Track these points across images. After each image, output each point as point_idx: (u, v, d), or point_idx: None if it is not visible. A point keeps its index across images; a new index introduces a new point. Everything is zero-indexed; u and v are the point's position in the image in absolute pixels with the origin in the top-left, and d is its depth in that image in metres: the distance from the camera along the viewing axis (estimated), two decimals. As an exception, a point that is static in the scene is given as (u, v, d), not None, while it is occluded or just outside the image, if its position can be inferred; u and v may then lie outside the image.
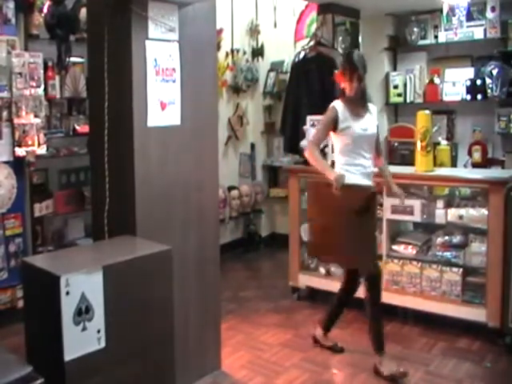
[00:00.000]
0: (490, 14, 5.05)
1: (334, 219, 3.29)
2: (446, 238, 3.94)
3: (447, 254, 3.89)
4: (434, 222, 3.97)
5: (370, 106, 3.48)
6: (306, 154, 3.41)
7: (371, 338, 3.35)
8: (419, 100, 5.46)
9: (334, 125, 3.30)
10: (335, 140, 3.38)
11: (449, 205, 3.94)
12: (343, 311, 3.65)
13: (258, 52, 5.99)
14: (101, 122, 2.86)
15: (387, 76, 5.71)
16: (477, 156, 5.08)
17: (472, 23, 5.19)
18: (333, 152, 3.63)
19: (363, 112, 3.37)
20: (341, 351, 3.61)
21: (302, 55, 5.32)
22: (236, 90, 5.84)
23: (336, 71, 3.46)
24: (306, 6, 5.88)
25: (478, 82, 5.04)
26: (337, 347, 3.63)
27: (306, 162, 4.50)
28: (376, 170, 3.51)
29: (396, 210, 3.99)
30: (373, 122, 3.41)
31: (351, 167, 3.29)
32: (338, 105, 3.34)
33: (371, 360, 3.45)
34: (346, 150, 3.32)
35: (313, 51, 5.18)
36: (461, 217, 3.83)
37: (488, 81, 4.94)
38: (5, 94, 3.82)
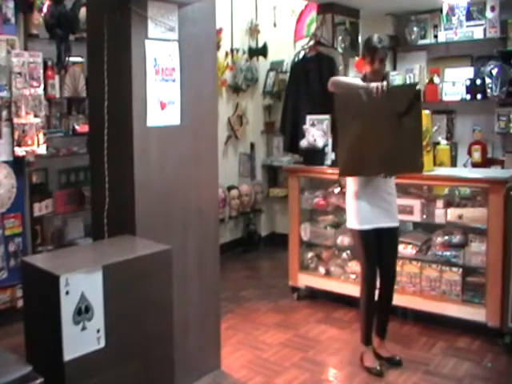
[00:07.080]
0: (489, 14, 5.06)
1: (377, 125, 3.11)
2: (446, 237, 3.94)
3: (447, 254, 3.89)
4: (434, 222, 3.97)
5: None
6: (332, 84, 3.28)
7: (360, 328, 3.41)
8: (419, 100, 5.45)
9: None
10: None
11: (448, 204, 3.93)
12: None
13: (259, 52, 5.98)
14: (100, 122, 2.86)
15: (387, 75, 5.70)
16: (476, 156, 5.08)
17: (472, 23, 5.19)
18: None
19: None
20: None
21: (301, 55, 5.34)
22: (236, 89, 5.83)
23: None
24: (306, 6, 5.89)
25: (478, 81, 5.03)
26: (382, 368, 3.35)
27: (305, 162, 4.54)
28: None
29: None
30: None
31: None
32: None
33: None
34: None
35: (312, 51, 5.20)
36: (460, 216, 3.82)
37: (488, 80, 4.94)
38: (4, 94, 3.82)
